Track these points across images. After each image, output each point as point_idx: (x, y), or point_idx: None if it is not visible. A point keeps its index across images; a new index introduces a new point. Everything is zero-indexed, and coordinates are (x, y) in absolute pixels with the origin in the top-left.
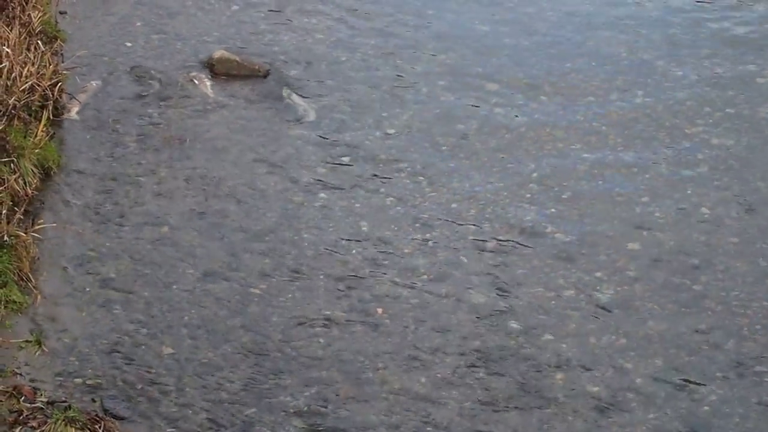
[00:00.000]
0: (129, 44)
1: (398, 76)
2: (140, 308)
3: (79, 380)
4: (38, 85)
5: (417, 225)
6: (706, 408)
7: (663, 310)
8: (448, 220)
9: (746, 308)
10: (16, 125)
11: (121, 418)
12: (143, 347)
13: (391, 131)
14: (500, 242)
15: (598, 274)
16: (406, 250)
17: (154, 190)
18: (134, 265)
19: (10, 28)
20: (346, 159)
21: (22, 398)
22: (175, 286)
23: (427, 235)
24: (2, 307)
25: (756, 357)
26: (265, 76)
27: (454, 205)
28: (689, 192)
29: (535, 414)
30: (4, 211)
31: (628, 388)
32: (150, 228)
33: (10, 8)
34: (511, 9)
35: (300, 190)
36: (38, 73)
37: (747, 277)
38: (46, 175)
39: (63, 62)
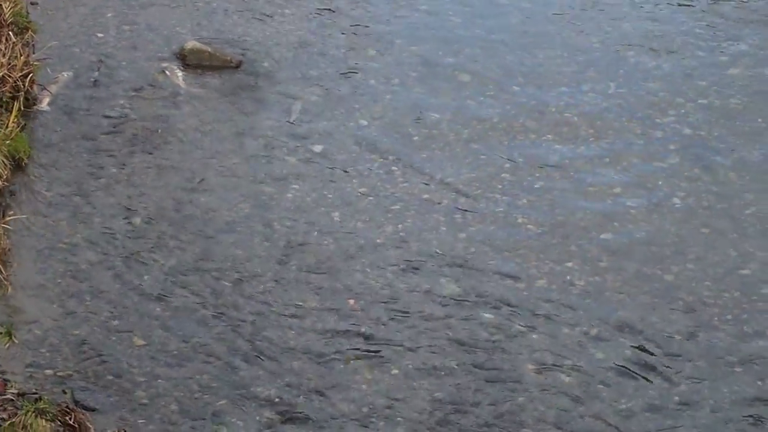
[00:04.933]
0: (100, 35)
1: (371, 66)
2: (112, 299)
3: (49, 372)
4: (9, 77)
5: (389, 215)
6: (676, 398)
7: (634, 301)
8: (420, 211)
9: (717, 298)
10: None
11: (92, 410)
12: (114, 339)
13: (364, 122)
14: (472, 233)
15: (570, 264)
16: (378, 241)
17: (125, 181)
18: (106, 256)
19: None
20: (318, 149)
21: None
22: (146, 277)
23: (399, 225)
24: None
25: (727, 347)
26: (237, 67)
27: (426, 196)
28: (661, 183)
29: (506, 404)
30: None
31: (600, 378)
32: (121, 219)
33: None
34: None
35: (272, 181)
36: (9, 64)
37: (718, 268)
38: (17, 166)
39: (34, 53)
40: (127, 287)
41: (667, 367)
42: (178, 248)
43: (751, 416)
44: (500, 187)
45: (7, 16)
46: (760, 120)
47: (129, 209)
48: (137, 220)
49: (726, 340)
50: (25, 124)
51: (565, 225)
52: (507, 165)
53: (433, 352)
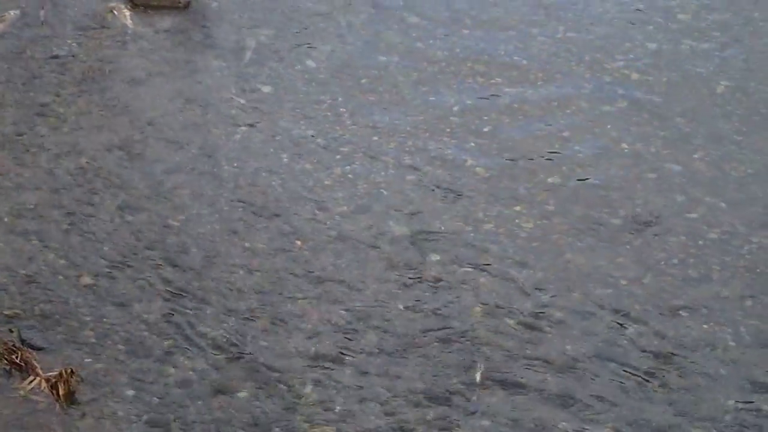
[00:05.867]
0: None
1: (320, 8)
2: (58, 239)
3: None
4: None
5: (338, 157)
6: (624, 341)
7: (581, 244)
8: (368, 153)
9: (664, 243)
10: None
11: (39, 348)
12: (61, 278)
13: (312, 63)
14: (420, 176)
15: (518, 208)
16: (326, 182)
17: (72, 121)
18: (52, 195)
19: None
20: (267, 90)
21: None
22: (93, 217)
23: (348, 167)
24: None
25: (672, 291)
26: (185, 8)
27: (374, 138)
28: (609, 127)
29: (454, 347)
30: None
31: (546, 321)
32: (68, 159)
33: None
34: None
35: (220, 122)
36: None
37: (665, 212)
38: None
39: None
40: (74, 227)
41: (614, 310)
42: (126, 189)
43: (695, 361)
44: (448, 130)
45: None
46: (708, 65)
47: (76, 149)
48: (84, 160)
49: (672, 284)
50: None
51: (513, 168)
52: (456, 108)
53: (381, 293)
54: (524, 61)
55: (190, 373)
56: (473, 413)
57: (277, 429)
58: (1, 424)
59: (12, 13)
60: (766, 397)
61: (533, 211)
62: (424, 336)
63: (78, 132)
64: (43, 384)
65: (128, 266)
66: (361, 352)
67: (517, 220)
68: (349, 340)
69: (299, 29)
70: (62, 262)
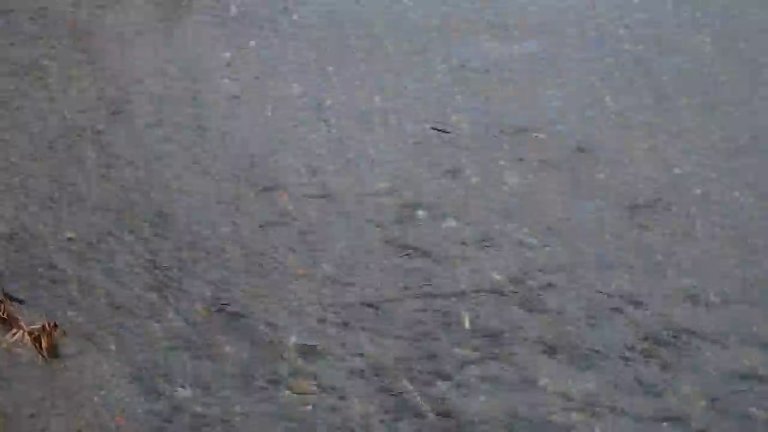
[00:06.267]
0: None
1: None
2: (43, 193)
3: None
4: None
5: (324, 115)
6: (609, 298)
7: (567, 200)
8: (355, 112)
9: (650, 198)
10: None
11: (22, 302)
12: (45, 233)
13: (299, 21)
14: (407, 133)
15: (503, 163)
16: (312, 140)
17: (56, 78)
18: (36, 150)
19: None
20: (252, 47)
21: None
22: (78, 173)
23: (334, 125)
24: None
25: (656, 247)
26: None
27: (361, 96)
28: (596, 84)
29: (438, 302)
30: None
31: (532, 276)
32: (53, 114)
33: None
34: None
35: (206, 78)
36: None
37: (651, 168)
38: None
39: None
40: (58, 181)
41: (599, 267)
42: (110, 146)
43: (680, 317)
44: (435, 86)
45: None
46: (697, 13)
47: (61, 104)
48: (69, 116)
49: (657, 240)
50: None
51: (499, 124)
52: (443, 66)
53: (366, 250)
54: (510, 19)
55: (174, 327)
56: (457, 367)
57: (260, 382)
58: None
59: None
60: (749, 351)
61: (518, 165)
62: (409, 290)
63: (62, 89)
64: (26, 337)
65: (112, 222)
66: (343, 309)
67: (503, 178)
68: (332, 296)
69: None
70: (46, 216)
